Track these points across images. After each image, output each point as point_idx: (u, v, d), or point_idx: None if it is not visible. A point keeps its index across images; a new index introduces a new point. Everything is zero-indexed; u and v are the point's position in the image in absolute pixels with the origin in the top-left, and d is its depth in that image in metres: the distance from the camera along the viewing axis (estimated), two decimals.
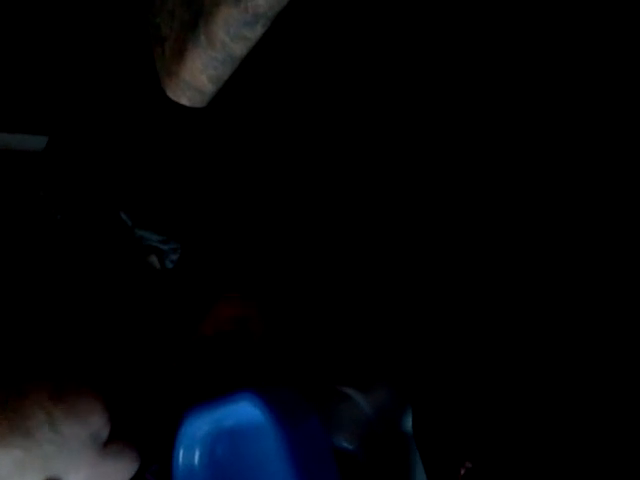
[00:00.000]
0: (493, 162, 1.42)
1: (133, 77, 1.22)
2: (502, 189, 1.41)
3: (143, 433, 0.94)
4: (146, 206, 1.45)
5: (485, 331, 1.37)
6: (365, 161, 1.47)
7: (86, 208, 1.44)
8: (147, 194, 1.46)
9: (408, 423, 1.18)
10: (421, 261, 1.42)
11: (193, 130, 1.26)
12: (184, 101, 1.02)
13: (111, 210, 1.44)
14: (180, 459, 0.98)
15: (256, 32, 0.86)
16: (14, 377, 0.81)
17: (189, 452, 0.98)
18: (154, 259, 1.45)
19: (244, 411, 0.91)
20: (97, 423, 0.83)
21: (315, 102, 1.43)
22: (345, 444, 1.06)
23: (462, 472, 0.90)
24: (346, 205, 1.49)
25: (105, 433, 0.84)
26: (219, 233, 1.49)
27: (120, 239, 1.43)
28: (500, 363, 1.35)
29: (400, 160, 1.45)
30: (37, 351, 0.90)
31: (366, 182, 1.47)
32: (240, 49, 0.89)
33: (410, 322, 1.39)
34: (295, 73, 1.38)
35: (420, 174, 1.46)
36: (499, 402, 1.31)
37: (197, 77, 0.95)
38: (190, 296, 1.41)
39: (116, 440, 0.86)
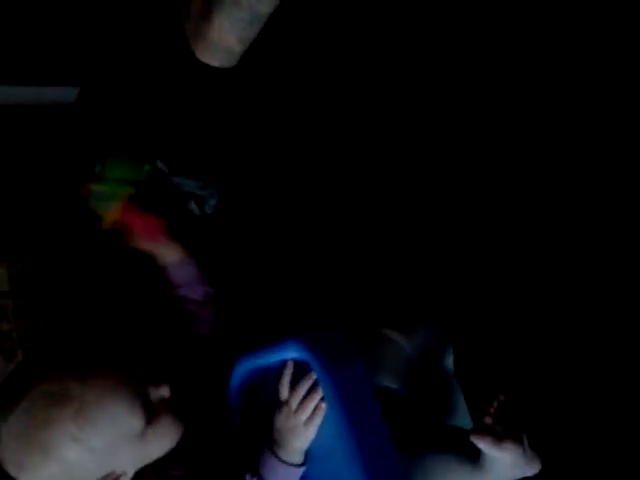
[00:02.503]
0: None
1: (164, 29, 1.21)
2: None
3: (184, 390, 0.96)
4: (182, 153, 1.46)
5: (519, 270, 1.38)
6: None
7: (124, 158, 1.45)
8: (182, 141, 1.46)
9: (449, 362, 1.22)
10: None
11: (223, 81, 1.25)
12: (214, 62, 1.01)
13: (147, 159, 1.45)
14: (234, 403, 1.03)
15: None
16: (36, 407, 0.81)
17: (240, 397, 1.03)
18: (193, 205, 1.47)
19: (291, 357, 0.94)
20: (128, 423, 0.84)
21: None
22: (388, 384, 1.10)
23: (495, 404, 0.92)
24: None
25: (140, 424, 0.85)
26: (254, 176, 1.50)
27: (159, 187, 1.45)
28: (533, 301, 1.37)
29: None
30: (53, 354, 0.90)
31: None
32: (266, 8, 0.87)
33: (448, 264, 1.40)
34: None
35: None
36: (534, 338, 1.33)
37: (226, 38, 0.94)
38: (232, 239, 1.44)
39: (155, 418, 0.87)
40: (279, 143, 1.47)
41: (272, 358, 0.98)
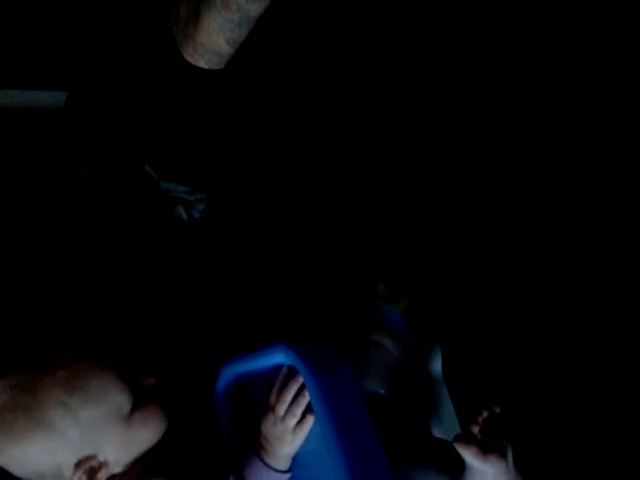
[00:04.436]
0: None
1: (152, 33, 1.21)
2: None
3: (171, 389, 0.97)
4: (170, 158, 1.46)
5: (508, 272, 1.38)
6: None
7: (111, 163, 1.45)
8: (170, 146, 1.46)
9: (438, 366, 1.21)
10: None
11: (212, 83, 1.25)
12: (202, 64, 1.01)
13: (136, 164, 1.45)
14: (220, 405, 1.02)
15: None
16: (25, 374, 0.82)
17: (226, 400, 1.02)
18: (181, 210, 1.47)
19: (278, 362, 0.94)
20: (116, 401, 0.85)
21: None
22: (376, 388, 1.09)
23: (485, 415, 0.90)
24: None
25: (127, 405, 0.87)
26: (243, 182, 1.50)
27: (146, 192, 1.45)
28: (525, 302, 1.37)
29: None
30: (46, 342, 0.92)
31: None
32: (255, 9, 0.87)
33: (437, 268, 1.40)
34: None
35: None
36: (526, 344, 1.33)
37: (214, 40, 0.93)
38: (219, 245, 1.43)
39: (141, 405, 0.89)
40: (269, 148, 1.47)
41: (259, 363, 0.97)
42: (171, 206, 1.46)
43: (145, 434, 0.89)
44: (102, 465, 0.85)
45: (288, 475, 0.91)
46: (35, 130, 1.53)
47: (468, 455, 0.85)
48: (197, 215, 1.48)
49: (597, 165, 1.38)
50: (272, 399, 0.90)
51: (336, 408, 0.89)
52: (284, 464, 0.90)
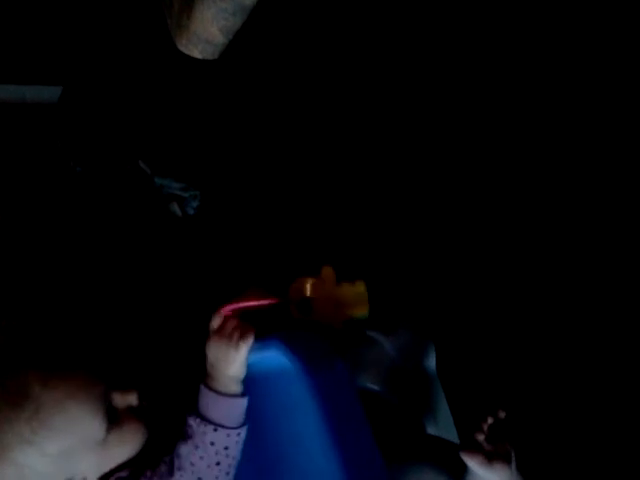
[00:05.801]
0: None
1: (146, 25, 1.20)
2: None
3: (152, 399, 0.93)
4: (164, 154, 1.45)
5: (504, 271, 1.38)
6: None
7: (105, 159, 1.44)
8: (164, 142, 1.45)
9: (432, 363, 1.21)
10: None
11: (207, 77, 1.24)
12: (196, 54, 1.00)
13: (130, 160, 1.44)
14: None
15: None
16: None
17: None
18: (175, 207, 1.46)
19: (271, 358, 0.93)
20: (88, 429, 0.81)
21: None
22: (370, 385, 1.09)
23: (490, 421, 0.88)
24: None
25: (102, 430, 0.82)
26: (237, 179, 1.49)
27: (140, 188, 1.44)
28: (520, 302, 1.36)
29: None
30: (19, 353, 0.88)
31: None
32: None
33: (432, 264, 1.40)
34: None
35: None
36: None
37: (208, 29, 0.93)
38: (213, 242, 1.43)
39: (119, 422, 0.84)
40: (264, 142, 1.46)
41: (252, 358, 0.96)
42: (165, 202, 1.46)
43: (123, 451, 0.86)
44: None
45: (244, 400, 0.87)
46: (29, 125, 1.52)
47: (474, 464, 0.84)
48: (191, 212, 1.48)
49: (597, 165, 1.38)
50: (216, 322, 0.87)
51: (330, 404, 0.89)
52: (235, 387, 0.86)
